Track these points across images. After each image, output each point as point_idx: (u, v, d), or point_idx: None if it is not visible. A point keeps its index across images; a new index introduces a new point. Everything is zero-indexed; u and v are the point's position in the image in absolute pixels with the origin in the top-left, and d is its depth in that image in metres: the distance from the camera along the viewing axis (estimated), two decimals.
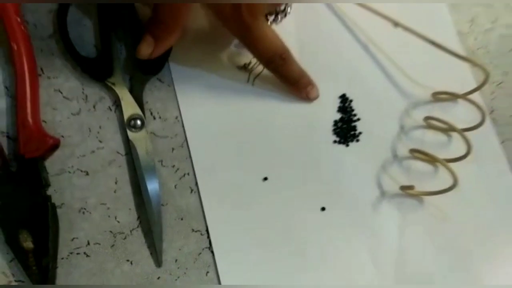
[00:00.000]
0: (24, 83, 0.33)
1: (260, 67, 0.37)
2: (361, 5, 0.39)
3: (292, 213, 0.36)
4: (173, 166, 0.36)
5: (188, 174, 0.36)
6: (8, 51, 0.34)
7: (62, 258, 0.33)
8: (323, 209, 0.36)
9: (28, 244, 0.32)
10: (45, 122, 0.34)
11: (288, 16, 0.38)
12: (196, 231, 0.35)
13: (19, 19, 0.34)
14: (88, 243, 0.34)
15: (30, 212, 0.32)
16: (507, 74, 0.42)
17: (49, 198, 0.33)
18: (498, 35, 0.42)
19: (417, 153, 0.38)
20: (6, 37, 0.33)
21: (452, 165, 0.35)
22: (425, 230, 0.37)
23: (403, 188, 0.37)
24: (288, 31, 0.38)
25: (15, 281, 0.32)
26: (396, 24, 0.38)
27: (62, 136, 0.34)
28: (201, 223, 0.35)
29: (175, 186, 0.35)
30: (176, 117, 0.36)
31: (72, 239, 0.33)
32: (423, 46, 0.37)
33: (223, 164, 0.36)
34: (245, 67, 0.38)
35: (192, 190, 0.35)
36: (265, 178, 0.36)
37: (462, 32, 0.41)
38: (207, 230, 0.35)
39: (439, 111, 0.39)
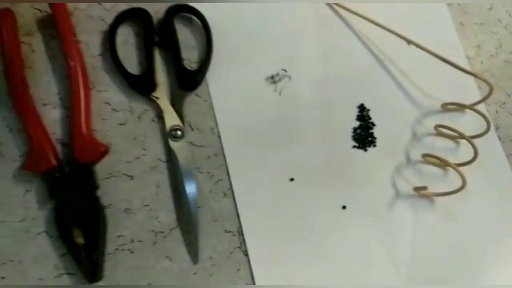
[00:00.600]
0: (79, 96, 0.37)
1: (286, 78, 0.41)
2: (378, 24, 0.43)
3: (316, 210, 0.40)
4: (209, 172, 0.39)
5: (221, 180, 0.39)
6: (64, 67, 0.38)
7: (109, 254, 0.36)
8: (344, 207, 0.40)
9: (80, 240, 0.35)
10: (95, 131, 0.38)
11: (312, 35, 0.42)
12: (228, 232, 0.38)
13: (74, 39, 0.38)
14: (132, 241, 0.37)
15: (82, 211, 0.36)
16: (510, 96, 0.46)
17: (98, 199, 0.37)
18: (502, 60, 0.46)
19: (429, 157, 0.42)
20: (63, 55, 0.38)
21: (460, 169, 0.39)
22: (436, 228, 0.41)
23: (417, 189, 0.41)
24: (312, 47, 0.42)
25: (66, 273, 0.36)
26: (409, 42, 0.42)
27: (110, 144, 0.38)
28: (233, 224, 0.39)
29: (210, 191, 0.39)
30: (212, 128, 0.40)
31: (118, 237, 0.37)
32: (433, 62, 0.41)
33: (254, 169, 0.40)
34: (272, 78, 0.42)
35: (225, 195, 0.39)
36: (292, 179, 0.40)
37: (469, 56, 0.46)
38: (238, 231, 0.38)
39: (448, 120, 0.43)
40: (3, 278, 0.35)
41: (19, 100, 0.36)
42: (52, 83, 0.38)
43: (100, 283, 0.35)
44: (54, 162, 0.35)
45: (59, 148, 0.37)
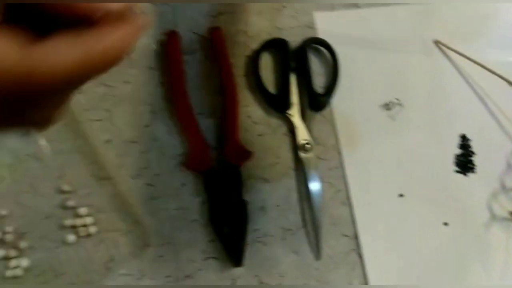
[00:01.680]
0: (231, 109, 0.44)
1: (399, 106, 0.48)
2: (480, 64, 0.49)
3: (422, 225, 0.45)
4: (330, 182, 0.45)
5: (341, 190, 0.45)
6: (216, 84, 0.45)
7: (247, 244, 0.43)
8: (445, 224, 0.45)
9: (227, 229, 0.42)
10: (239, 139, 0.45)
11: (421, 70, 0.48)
12: (345, 236, 0.44)
13: (229, 61, 0.45)
14: (265, 235, 0.43)
15: (230, 205, 0.42)
16: None
17: (242, 196, 0.43)
18: None
19: None
20: (218, 73, 0.45)
21: None
22: None
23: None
24: (421, 79, 0.49)
25: (212, 257, 0.42)
26: (510, 83, 0.48)
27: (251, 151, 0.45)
28: (349, 229, 0.44)
29: (330, 198, 0.45)
30: (333, 145, 0.46)
31: (254, 230, 0.43)
32: None
33: (370, 182, 0.46)
34: (387, 105, 0.48)
35: (343, 203, 0.45)
36: (401, 195, 0.46)
37: None
38: (354, 235, 0.44)
39: None
40: (160, 256, 0.42)
41: (181, 108, 0.44)
42: (205, 96, 0.46)
43: (239, 270, 0.42)
44: (210, 162, 0.42)
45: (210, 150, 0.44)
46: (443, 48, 0.51)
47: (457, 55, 0.50)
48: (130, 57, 0.45)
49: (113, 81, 0.44)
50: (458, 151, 0.48)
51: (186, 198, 0.43)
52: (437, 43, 0.51)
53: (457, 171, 0.47)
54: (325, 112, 0.47)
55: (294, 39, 0.48)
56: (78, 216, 0.41)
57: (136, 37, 0.19)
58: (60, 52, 0.17)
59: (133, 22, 0.19)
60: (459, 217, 0.46)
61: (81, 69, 0.17)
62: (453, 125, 0.49)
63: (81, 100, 0.43)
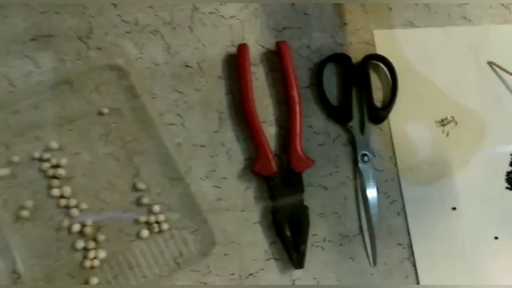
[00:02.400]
0: (296, 119, 0.46)
1: (454, 123, 0.49)
2: None
3: (473, 237, 0.47)
4: (385, 193, 0.48)
5: (396, 201, 0.47)
6: (280, 94, 0.48)
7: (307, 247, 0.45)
8: (496, 238, 0.47)
9: (289, 233, 0.44)
10: None
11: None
12: (399, 245, 0.46)
13: (294, 73, 0.48)
14: (324, 240, 0.46)
15: (292, 210, 0.45)
16: None
17: (303, 201, 0.45)
18: None
19: None
20: (283, 84, 0.48)
21: None
22: None
23: None
24: (474, 97, 0.50)
25: (273, 258, 0.45)
26: None
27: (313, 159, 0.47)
28: (404, 239, 0.46)
29: (386, 209, 0.47)
30: (390, 157, 0.48)
31: (313, 235, 0.45)
32: None
33: (424, 194, 0.48)
34: (442, 121, 0.50)
35: (398, 213, 0.47)
36: (454, 208, 0.48)
37: None
38: (408, 245, 0.46)
39: None
40: (226, 255, 0.44)
41: (249, 116, 0.46)
42: (270, 106, 0.48)
43: (299, 271, 0.44)
44: (275, 169, 0.45)
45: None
46: (497, 68, 0.53)
47: (510, 76, 0.52)
48: (201, 66, 0.48)
49: (185, 88, 0.47)
50: (509, 168, 0.49)
51: (250, 201, 0.46)
52: (491, 63, 0.53)
53: (508, 188, 0.49)
54: (383, 125, 0.49)
55: (354, 55, 0.50)
56: (152, 213, 0.44)
57: None
58: None
59: None
60: (509, 232, 0.47)
61: None
62: (505, 143, 0.50)
63: (156, 105, 0.47)
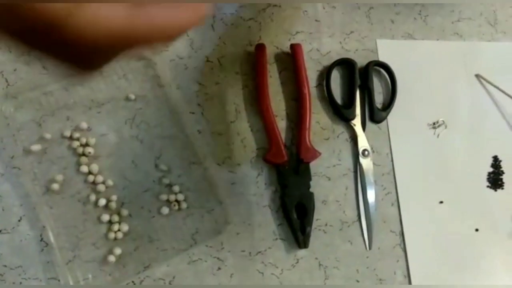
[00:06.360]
0: (306, 114, 0.51)
1: (444, 126, 0.55)
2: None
3: (457, 228, 0.53)
4: (382, 185, 0.53)
5: (391, 192, 0.53)
6: (291, 91, 0.53)
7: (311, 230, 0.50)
8: (476, 230, 0.53)
9: (295, 216, 0.49)
10: None
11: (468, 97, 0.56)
12: (392, 232, 0.52)
13: (305, 74, 0.53)
14: (326, 224, 0.50)
15: (300, 195, 0.49)
16: None
17: (310, 188, 0.50)
18: None
19: None
20: (295, 83, 0.52)
21: None
22: None
23: None
24: (462, 104, 0.56)
25: (280, 239, 0.49)
26: None
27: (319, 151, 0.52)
28: (396, 227, 0.52)
29: (382, 199, 0.52)
30: (387, 154, 0.54)
31: (316, 219, 0.50)
32: None
33: (416, 189, 0.53)
34: (433, 124, 0.55)
35: (392, 204, 0.52)
36: (441, 202, 0.53)
37: None
38: (400, 232, 0.51)
39: None
40: (238, 233, 0.49)
41: (264, 109, 0.51)
42: (282, 101, 0.53)
43: (302, 251, 0.49)
44: (286, 158, 0.50)
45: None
46: (483, 81, 0.59)
47: (494, 88, 0.58)
48: (221, 62, 0.53)
49: (206, 81, 0.52)
50: (490, 169, 0.55)
51: (261, 187, 0.50)
52: (478, 76, 0.59)
53: (488, 186, 0.55)
54: (382, 125, 0.54)
55: (359, 60, 0.55)
56: (172, 192, 0.48)
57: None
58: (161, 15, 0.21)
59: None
60: (488, 225, 0.53)
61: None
62: (487, 147, 0.56)
63: (179, 94, 0.51)
